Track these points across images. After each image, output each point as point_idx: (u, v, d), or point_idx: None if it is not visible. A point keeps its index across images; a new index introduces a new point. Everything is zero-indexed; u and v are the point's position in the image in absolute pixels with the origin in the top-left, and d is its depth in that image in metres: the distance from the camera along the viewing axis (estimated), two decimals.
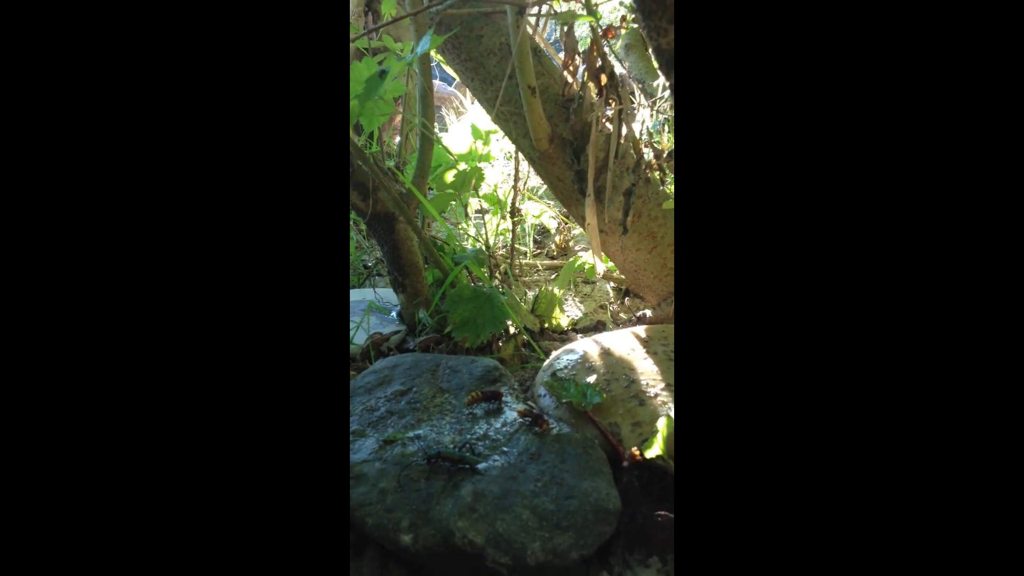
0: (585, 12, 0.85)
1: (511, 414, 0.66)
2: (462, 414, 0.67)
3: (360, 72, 0.87)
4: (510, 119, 0.93)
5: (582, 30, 1.85)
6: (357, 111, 0.89)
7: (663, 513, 0.56)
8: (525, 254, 1.30)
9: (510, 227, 1.17)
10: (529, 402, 0.71)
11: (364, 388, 0.73)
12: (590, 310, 1.09)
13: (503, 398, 0.68)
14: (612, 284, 1.15)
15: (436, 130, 1.37)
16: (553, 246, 1.32)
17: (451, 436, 0.63)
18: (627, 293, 1.12)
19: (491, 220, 1.26)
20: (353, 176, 0.96)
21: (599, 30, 0.83)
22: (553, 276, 1.23)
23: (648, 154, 0.95)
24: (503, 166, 1.34)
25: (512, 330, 0.94)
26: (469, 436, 0.63)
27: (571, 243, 1.32)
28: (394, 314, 1.02)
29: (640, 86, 1.87)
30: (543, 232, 1.38)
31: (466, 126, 1.16)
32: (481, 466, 0.58)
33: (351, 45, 1.59)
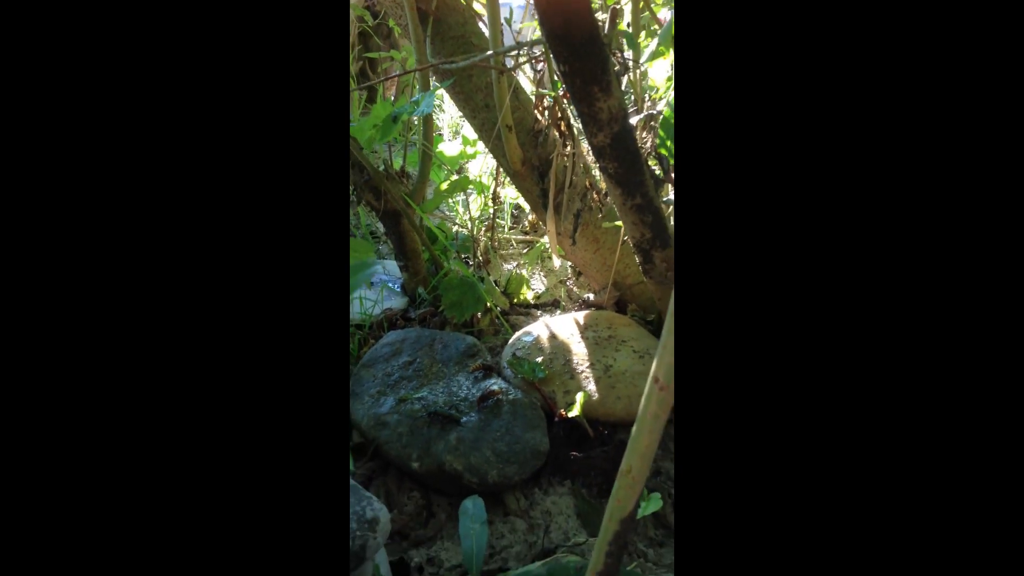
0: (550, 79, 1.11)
1: (486, 384, 0.98)
2: (451, 381, 0.99)
3: (378, 113, 1.14)
4: (492, 141, 1.20)
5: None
6: (379, 139, 1.16)
7: (575, 453, 0.90)
8: (503, 228, 1.60)
9: (492, 210, 1.46)
10: (497, 376, 1.03)
11: (383, 357, 1.05)
12: (552, 284, 1.40)
13: (492, 370, 1.01)
14: (571, 263, 1.45)
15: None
16: (527, 223, 1.61)
17: (443, 398, 0.95)
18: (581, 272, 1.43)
19: (476, 200, 1.54)
20: (371, 181, 1.23)
21: (559, 93, 1.10)
22: (526, 250, 1.53)
23: (593, 181, 1.23)
24: (487, 155, 1.61)
25: (489, 305, 1.25)
26: (455, 399, 0.95)
27: (541, 222, 1.61)
28: (397, 287, 1.33)
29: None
30: (519, 209, 1.67)
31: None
32: (463, 420, 0.91)
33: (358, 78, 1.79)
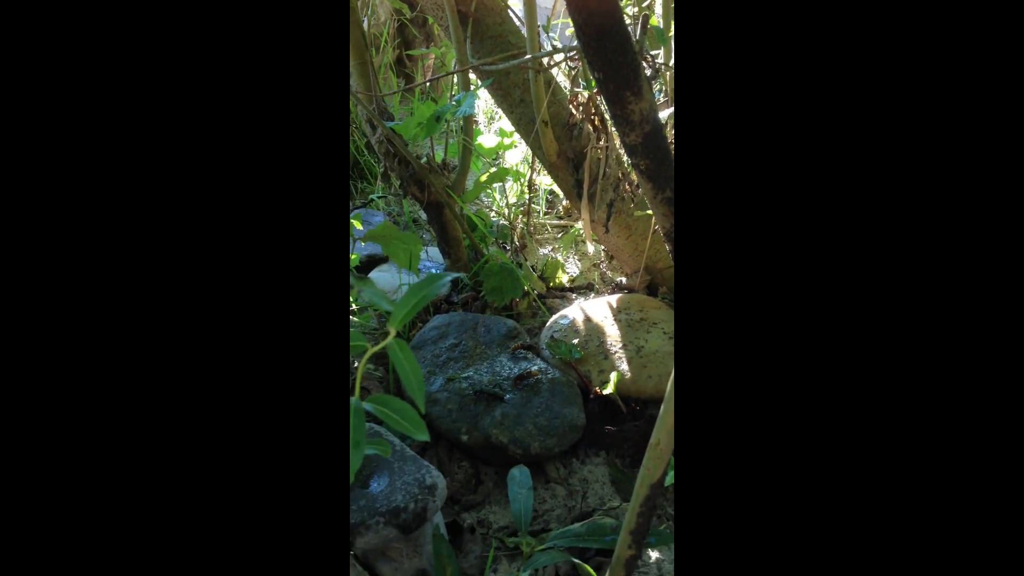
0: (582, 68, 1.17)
1: (526, 364, 1.07)
2: (494, 361, 1.08)
3: (423, 112, 1.21)
4: (529, 134, 1.27)
5: None
6: (422, 136, 1.24)
7: (609, 427, 0.98)
8: (538, 213, 1.67)
9: (528, 197, 1.53)
10: (535, 357, 1.11)
11: (430, 340, 1.14)
12: (586, 268, 1.48)
13: (532, 350, 1.09)
14: (604, 247, 1.53)
15: None
16: (561, 208, 1.68)
17: (488, 377, 1.04)
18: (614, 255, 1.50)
19: (512, 187, 1.62)
20: (415, 175, 1.32)
21: (593, 90, 1.16)
22: (560, 235, 1.60)
23: (625, 171, 1.29)
24: (523, 145, 1.68)
25: (527, 289, 1.33)
26: (498, 378, 1.04)
27: (576, 210, 1.68)
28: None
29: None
30: (554, 194, 1.74)
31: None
32: (506, 398, 0.99)
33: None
